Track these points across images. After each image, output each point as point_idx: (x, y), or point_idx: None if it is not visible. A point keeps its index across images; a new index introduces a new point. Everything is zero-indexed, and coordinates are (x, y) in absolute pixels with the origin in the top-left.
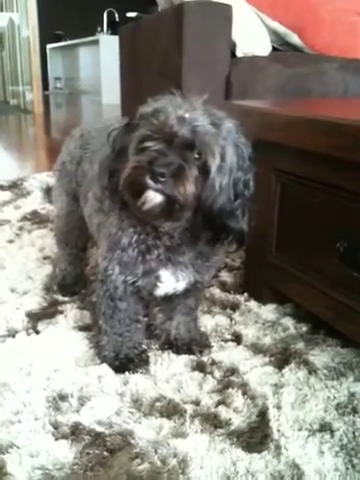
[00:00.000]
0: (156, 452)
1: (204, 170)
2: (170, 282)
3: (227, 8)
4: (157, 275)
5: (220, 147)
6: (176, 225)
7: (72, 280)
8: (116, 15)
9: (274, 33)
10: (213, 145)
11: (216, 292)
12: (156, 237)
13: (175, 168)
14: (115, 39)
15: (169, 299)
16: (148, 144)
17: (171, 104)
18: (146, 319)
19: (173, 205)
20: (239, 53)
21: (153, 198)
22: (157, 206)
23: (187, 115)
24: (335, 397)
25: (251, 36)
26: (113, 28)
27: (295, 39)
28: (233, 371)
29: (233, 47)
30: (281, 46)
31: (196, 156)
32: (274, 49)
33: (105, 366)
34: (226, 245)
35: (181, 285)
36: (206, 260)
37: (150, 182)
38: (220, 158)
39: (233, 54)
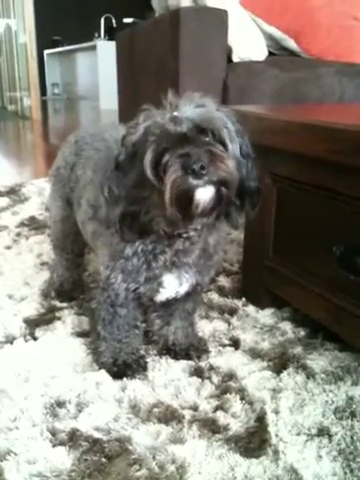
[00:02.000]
0: (154, 458)
1: (222, 145)
2: (173, 286)
3: (223, 13)
4: (160, 281)
5: (219, 119)
6: (215, 214)
7: (70, 286)
8: (113, 21)
9: (270, 38)
10: (214, 120)
11: (214, 297)
12: (167, 244)
13: (207, 155)
14: (112, 45)
15: (167, 304)
16: (165, 156)
17: (154, 115)
18: (144, 325)
19: (221, 191)
20: (235, 58)
21: (205, 194)
22: (210, 200)
23: (175, 113)
24: (333, 401)
25: (247, 41)
26: (110, 34)
27: (291, 44)
28: (231, 376)
29: (229, 52)
30: (277, 51)
31: (208, 139)
32: (270, 54)
33: (103, 372)
34: (248, 211)
35: (184, 288)
36: (209, 259)
37: (196, 181)
38: (225, 128)
39: (229, 59)
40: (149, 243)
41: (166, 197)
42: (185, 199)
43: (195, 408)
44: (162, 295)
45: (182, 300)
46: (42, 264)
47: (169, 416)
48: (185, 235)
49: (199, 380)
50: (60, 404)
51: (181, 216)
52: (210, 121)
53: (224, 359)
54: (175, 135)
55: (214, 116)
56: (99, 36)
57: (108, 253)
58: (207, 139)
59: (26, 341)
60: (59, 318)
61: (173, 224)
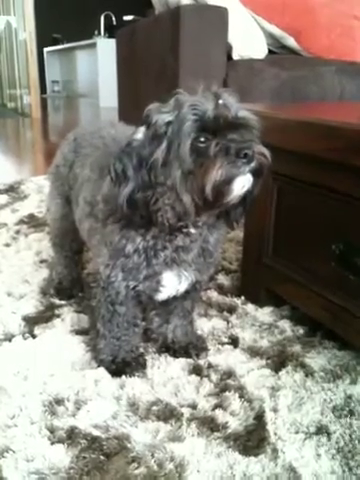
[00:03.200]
0: (153, 456)
1: None
2: (173, 284)
3: (223, 11)
4: (159, 279)
5: (254, 119)
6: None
7: (69, 283)
8: (113, 18)
9: (271, 36)
10: (252, 119)
11: (213, 295)
12: (168, 240)
13: (253, 144)
14: (112, 42)
15: (166, 302)
16: (203, 138)
17: (195, 100)
18: (143, 323)
19: (256, 182)
20: (235, 56)
21: (244, 183)
22: (245, 189)
23: (221, 101)
24: (332, 400)
25: (247, 39)
26: (110, 31)
27: (292, 42)
28: (230, 374)
29: (229, 50)
30: (278, 49)
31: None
32: (271, 52)
33: (101, 370)
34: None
35: (183, 286)
36: (209, 256)
37: (244, 168)
38: (255, 129)
39: (229, 57)
40: (150, 238)
41: (209, 180)
42: (224, 185)
43: (194, 406)
44: (162, 294)
45: (181, 298)
46: (41, 262)
47: (168, 414)
48: (185, 230)
49: (198, 378)
50: (59, 402)
51: (209, 203)
52: (249, 117)
53: (223, 357)
54: (223, 120)
55: (252, 115)
56: (99, 34)
57: (108, 252)
58: (245, 130)
59: (25, 339)
60: (58, 316)
61: (180, 215)
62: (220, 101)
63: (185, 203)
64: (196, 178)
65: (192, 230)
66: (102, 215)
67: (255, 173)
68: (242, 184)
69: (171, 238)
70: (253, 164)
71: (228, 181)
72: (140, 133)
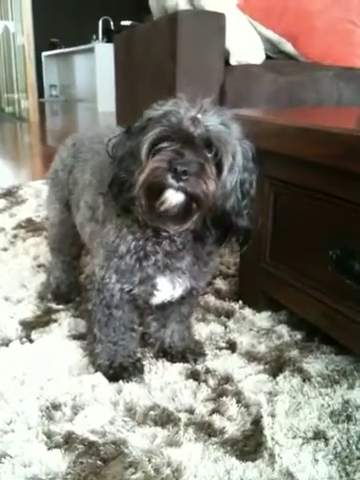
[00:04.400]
0: (150, 461)
1: (218, 169)
2: (167, 289)
3: (221, 17)
4: (154, 283)
5: (232, 146)
6: (185, 227)
7: (66, 288)
8: (111, 23)
9: (268, 41)
10: (227, 145)
11: (211, 300)
12: (156, 242)
13: (196, 167)
14: (110, 47)
15: (163, 307)
16: (164, 145)
17: (181, 106)
18: (141, 328)
19: (191, 205)
20: (233, 61)
21: (173, 197)
22: (176, 206)
23: (199, 116)
24: (329, 405)
25: (245, 44)
26: (108, 36)
27: (289, 47)
28: (227, 379)
29: (227, 55)
30: (275, 54)
31: (209, 155)
32: (268, 57)
33: (99, 375)
34: (231, 245)
35: (178, 292)
36: (204, 265)
37: (172, 181)
38: (232, 157)
39: (227, 62)
40: (140, 238)
41: (140, 177)
42: (154, 190)
43: (191, 411)
44: (157, 298)
45: (178, 303)
46: (39, 266)
47: (165, 419)
48: (165, 234)
49: (195, 383)
50: (56, 407)
51: (145, 204)
52: (223, 143)
53: (220, 362)
54: (184, 133)
55: (230, 142)
56: (97, 38)
57: (103, 253)
58: (209, 155)
59: (22, 343)
60: (55, 320)
61: (143, 212)
62: (198, 115)
63: (137, 198)
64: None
65: (176, 238)
66: (102, 217)
67: (190, 196)
68: (171, 198)
69: (158, 241)
70: (184, 184)
71: (158, 188)
72: (137, 123)
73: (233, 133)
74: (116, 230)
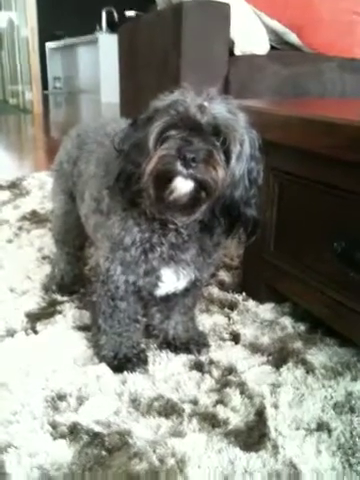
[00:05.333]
0: (154, 451)
1: (226, 156)
2: (171, 281)
3: (225, 7)
4: (158, 274)
5: (240, 134)
6: (193, 218)
7: (71, 280)
8: (115, 14)
9: (272, 32)
10: (235, 132)
11: (214, 291)
12: (162, 234)
13: (205, 154)
14: (114, 38)
15: (167, 298)
16: (171, 133)
17: (187, 95)
18: (145, 319)
19: (200, 193)
20: (237, 52)
21: (183, 185)
22: (186, 195)
23: (206, 103)
24: (332, 396)
25: (249, 35)
26: (112, 27)
27: (293, 38)
28: (231, 370)
29: (231, 46)
30: (279, 45)
31: (217, 143)
32: (272, 48)
33: (103, 366)
34: (239, 236)
35: (182, 284)
36: (208, 257)
37: (181, 168)
38: (240, 145)
39: (231, 53)
40: (146, 230)
41: (148, 166)
42: (163, 179)
43: (195, 402)
44: (161, 289)
45: (182, 295)
46: (43, 258)
47: (169, 410)
48: (172, 226)
49: (199, 374)
50: (61, 397)
51: (153, 195)
52: (231, 130)
53: (224, 353)
54: (192, 121)
55: (237, 130)
56: (101, 29)
57: (108, 245)
58: (216, 143)
59: (27, 335)
60: (60, 312)
61: (151, 204)
62: (205, 103)
63: (145, 188)
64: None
65: (182, 229)
66: (107, 209)
67: (199, 184)
68: (180, 186)
69: (164, 233)
70: (193, 171)
71: (167, 176)
72: (143, 114)
73: (240, 121)
74: (121, 222)
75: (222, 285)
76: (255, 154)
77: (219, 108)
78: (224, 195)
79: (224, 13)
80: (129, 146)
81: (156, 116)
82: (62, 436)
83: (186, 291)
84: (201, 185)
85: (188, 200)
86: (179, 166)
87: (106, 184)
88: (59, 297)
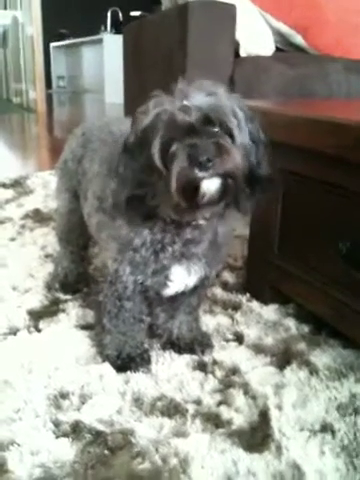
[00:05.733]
0: (157, 451)
1: (229, 136)
2: (181, 278)
3: (231, 8)
4: (167, 273)
5: (228, 107)
6: (223, 203)
7: (74, 278)
8: (120, 14)
9: (278, 33)
10: (224, 109)
11: (218, 292)
12: (176, 234)
13: (214, 148)
14: (119, 38)
15: (173, 299)
16: (173, 148)
17: (164, 102)
18: (149, 319)
19: (228, 183)
20: (243, 53)
21: (211, 185)
22: (217, 191)
23: (185, 102)
24: (336, 398)
25: (255, 36)
26: (117, 27)
27: (299, 39)
28: (234, 371)
29: (237, 47)
30: (285, 46)
31: (216, 129)
32: (278, 49)
33: (106, 365)
34: (258, 197)
35: (192, 280)
36: (218, 250)
37: (202, 173)
38: (233, 117)
39: (237, 54)
40: (158, 232)
41: (171, 187)
42: (190, 190)
43: (198, 402)
44: (170, 289)
45: (188, 294)
46: (46, 256)
47: (172, 410)
48: (194, 223)
49: (203, 374)
50: (63, 396)
51: (187, 205)
52: (219, 111)
53: (228, 354)
54: (183, 125)
55: (223, 105)
56: (105, 29)
57: (116, 246)
58: (215, 130)
59: (30, 333)
60: (63, 310)
61: (180, 212)
62: (184, 102)
63: (175, 204)
64: (167, 181)
65: (201, 222)
66: (111, 209)
67: (224, 175)
68: (209, 187)
69: (179, 231)
70: (212, 169)
71: (193, 185)
72: (131, 138)
73: (221, 96)
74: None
75: (226, 286)
76: (248, 115)
77: (199, 98)
78: (244, 170)
79: (230, 14)
80: (133, 172)
81: (147, 137)
82: (64, 434)
83: (193, 290)
84: (225, 176)
85: (220, 193)
86: (199, 173)
87: (108, 184)
88: (62, 296)
